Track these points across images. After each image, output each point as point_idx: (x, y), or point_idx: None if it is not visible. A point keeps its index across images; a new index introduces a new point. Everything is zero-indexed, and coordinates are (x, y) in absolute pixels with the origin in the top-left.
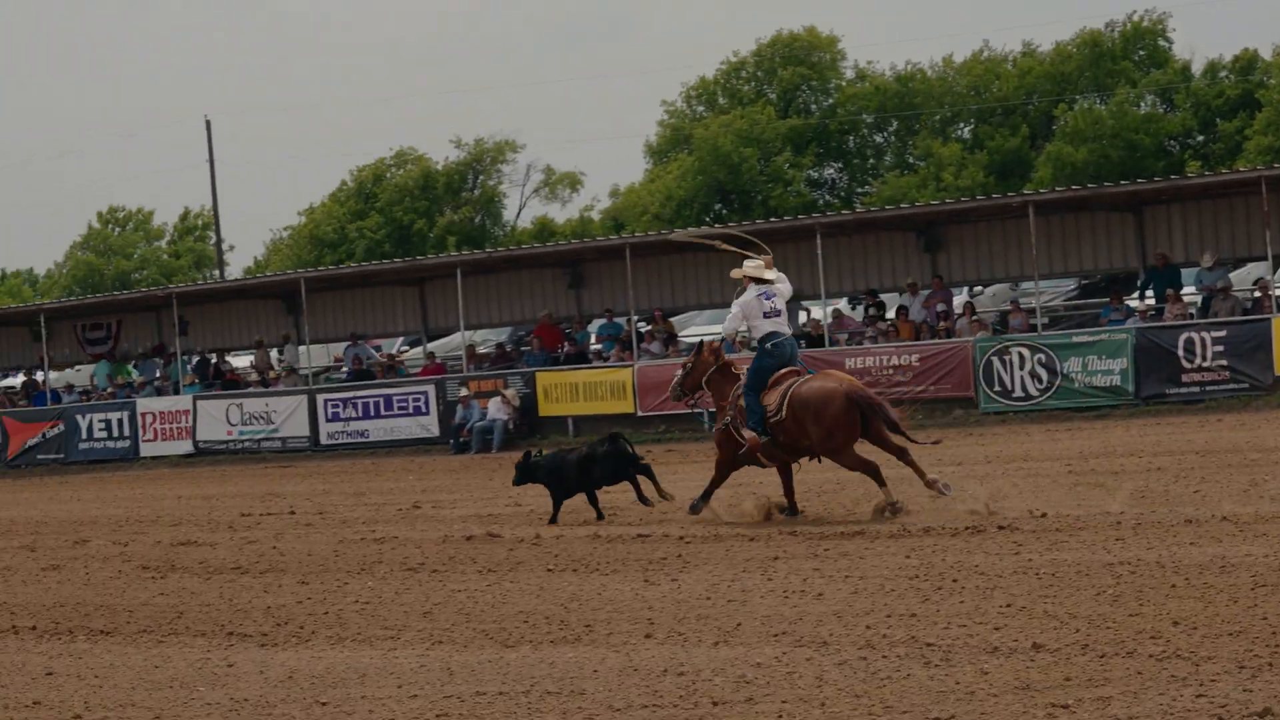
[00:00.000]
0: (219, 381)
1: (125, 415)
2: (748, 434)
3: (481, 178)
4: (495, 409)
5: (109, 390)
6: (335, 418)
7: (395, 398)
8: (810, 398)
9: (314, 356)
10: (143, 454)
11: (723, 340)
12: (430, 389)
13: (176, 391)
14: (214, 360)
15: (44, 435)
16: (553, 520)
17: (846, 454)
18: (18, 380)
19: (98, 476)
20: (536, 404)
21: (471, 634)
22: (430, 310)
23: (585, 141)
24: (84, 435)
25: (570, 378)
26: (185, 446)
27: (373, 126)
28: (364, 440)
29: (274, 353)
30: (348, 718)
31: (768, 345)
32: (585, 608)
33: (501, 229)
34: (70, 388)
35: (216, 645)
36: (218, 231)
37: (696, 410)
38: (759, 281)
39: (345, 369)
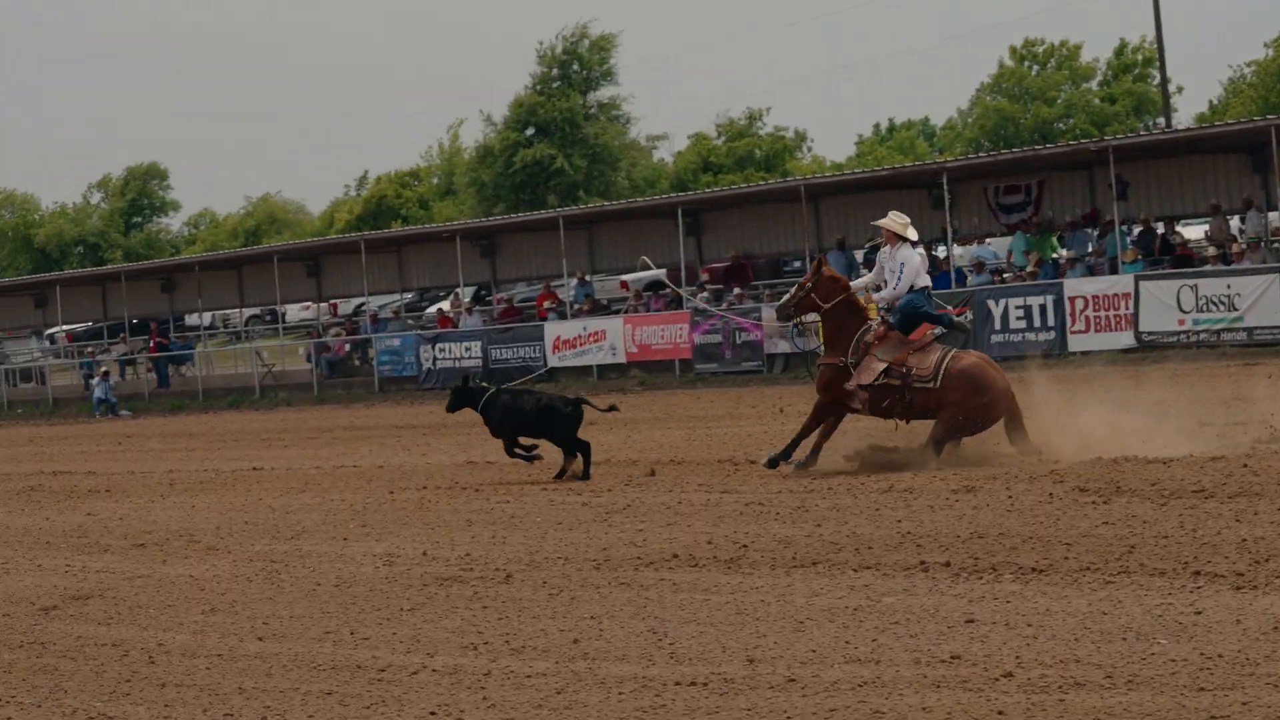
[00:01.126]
0: (1167, 258)
1: (1050, 300)
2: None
3: None
4: None
5: (1028, 269)
6: None
7: None
8: (978, 378)
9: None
10: (1071, 348)
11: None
12: None
13: (1113, 270)
14: (1161, 231)
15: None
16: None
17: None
18: None
19: (1022, 375)
20: None
21: None
22: None
23: None
24: (997, 325)
25: None
26: (1125, 339)
27: None
28: None
29: (1235, 221)
30: None
31: (926, 294)
32: None
33: None
34: (980, 265)
35: (1179, 587)
36: (1163, 70)
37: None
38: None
39: None
